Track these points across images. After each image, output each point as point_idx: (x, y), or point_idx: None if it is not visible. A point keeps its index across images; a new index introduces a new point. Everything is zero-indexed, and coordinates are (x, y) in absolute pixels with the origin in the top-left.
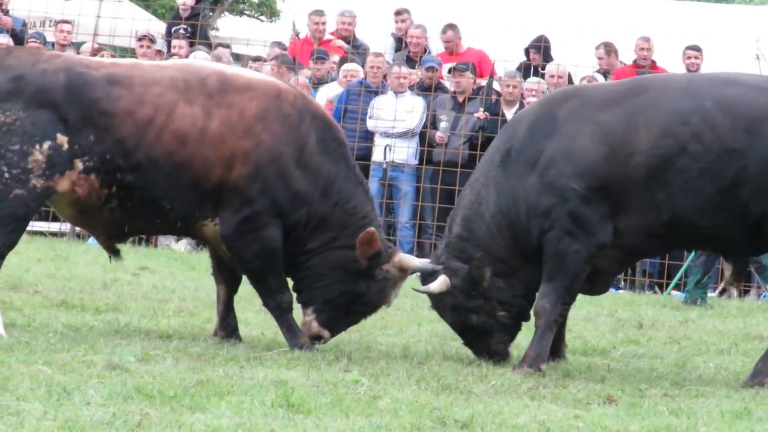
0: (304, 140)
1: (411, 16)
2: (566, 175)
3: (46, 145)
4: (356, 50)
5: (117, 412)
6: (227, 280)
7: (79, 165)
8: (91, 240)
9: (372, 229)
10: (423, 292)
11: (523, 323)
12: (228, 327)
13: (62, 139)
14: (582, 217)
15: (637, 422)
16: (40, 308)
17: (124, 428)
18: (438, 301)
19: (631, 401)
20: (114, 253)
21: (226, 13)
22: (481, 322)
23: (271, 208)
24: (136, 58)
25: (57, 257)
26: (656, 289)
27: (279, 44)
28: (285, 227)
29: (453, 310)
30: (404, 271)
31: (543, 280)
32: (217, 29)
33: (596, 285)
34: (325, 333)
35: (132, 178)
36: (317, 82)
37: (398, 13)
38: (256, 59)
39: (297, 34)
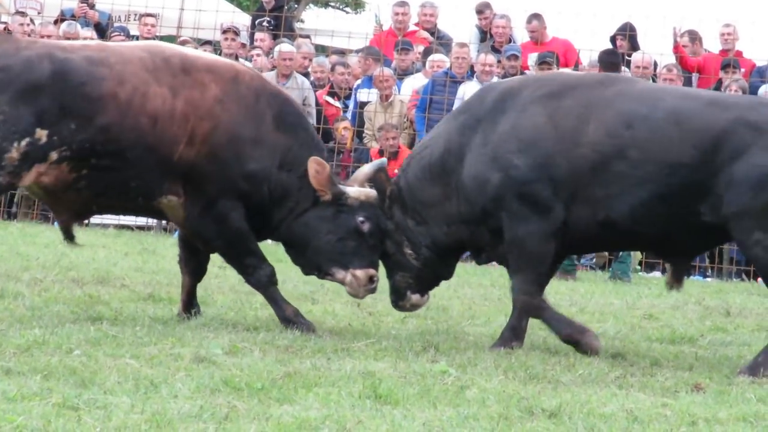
0: (260, 119)
1: (493, 11)
2: (510, 151)
3: (24, 141)
4: (440, 41)
5: (204, 404)
6: (195, 271)
7: (54, 156)
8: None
9: (311, 158)
10: (338, 190)
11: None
12: (191, 312)
13: (41, 133)
14: (533, 198)
15: (726, 410)
16: (128, 302)
17: (212, 421)
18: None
19: (719, 389)
20: (70, 237)
21: (311, 5)
22: (391, 250)
23: (230, 189)
24: (220, 51)
25: (144, 251)
26: (743, 276)
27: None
28: (249, 206)
29: (375, 227)
30: (365, 183)
31: (510, 272)
32: (302, 21)
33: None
34: (371, 271)
35: (107, 162)
36: (402, 73)
37: (479, 11)
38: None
39: (380, 26)
